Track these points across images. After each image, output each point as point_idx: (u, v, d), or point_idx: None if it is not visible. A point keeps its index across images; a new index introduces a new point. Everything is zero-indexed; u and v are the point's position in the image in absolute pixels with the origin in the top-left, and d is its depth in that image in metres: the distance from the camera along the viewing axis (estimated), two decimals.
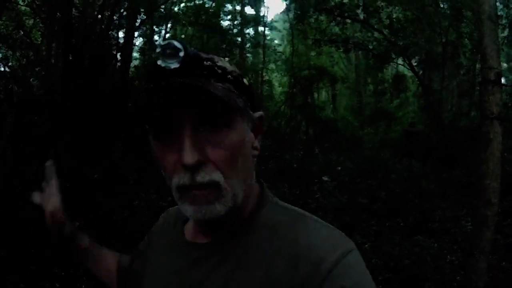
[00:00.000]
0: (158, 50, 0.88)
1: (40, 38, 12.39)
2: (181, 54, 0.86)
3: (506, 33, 15.68)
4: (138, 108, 0.91)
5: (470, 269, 4.53)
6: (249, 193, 0.99)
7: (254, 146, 1.00)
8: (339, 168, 11.17)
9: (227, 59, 0.99)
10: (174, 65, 0.86)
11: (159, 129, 0.91)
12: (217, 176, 0.88)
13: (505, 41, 15.21)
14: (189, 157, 0.85)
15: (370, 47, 16.09)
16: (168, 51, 0.86)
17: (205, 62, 0.90)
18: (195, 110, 0.87)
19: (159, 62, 0.87)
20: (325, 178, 9.69)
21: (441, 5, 14.53)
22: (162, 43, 0.87)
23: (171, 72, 0.86)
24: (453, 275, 5.83)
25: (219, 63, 0.93)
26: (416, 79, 17.08)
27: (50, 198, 1.39)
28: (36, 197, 1.42)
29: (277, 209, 1.02)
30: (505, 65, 25.69)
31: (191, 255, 1.01)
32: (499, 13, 15.75)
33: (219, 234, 0.99)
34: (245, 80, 0.99)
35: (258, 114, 1.03)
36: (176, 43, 0.86)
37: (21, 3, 11.49)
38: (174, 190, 0.92)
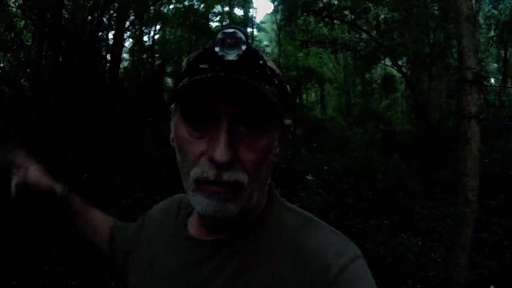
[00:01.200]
0: (220, 36, 0.82)
1: (31, 40, 12.38)
2: (243, 47, 0.82)
3: (492, 33, 15.83)
4: (184, 87, 0.84)
5: (451, 266, 4.59)
6: (262, 197, 0.98)
7: (275, 153, 0.97)
8: (326, 167, 11.21)
9: None
10: (232, 57, 0.81)
11: (196, 114, 0.87)
12: (243, 177, 0.86)
13: (491, 42, 15.35)
14: (223, 154, 0.82)
15: (358, 48, 16.13)
16: (230, 40, 0.82)
17: (260, 61, 0.87)
18: (241, 108, 0.84)
19: (217, 49, 0.82)
20: (309, 177, 9.71)
21: (429, 6, 14.56)
22: (226, 30, 0.83)
23: (227, 63, 0.82)
24: (436, 272, 5.87)
25: (269, 64, 0.90)
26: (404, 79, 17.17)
27: (27, 170, 1.41)
28: (13, 187, 1.43)
29: (284, 211, 1.01)
30: (495, 65, 25.75)
31: (196, 252, 0.98)
32: (487, 14, 15.92)
33: (225, 233, 0.97)
34: (287, 87, 0.97)
35: (288, 122, 1.00)
36: (241, 35, 0.82)
37: (12, 5, 11.52)
38: (191, 181, 0.88)
